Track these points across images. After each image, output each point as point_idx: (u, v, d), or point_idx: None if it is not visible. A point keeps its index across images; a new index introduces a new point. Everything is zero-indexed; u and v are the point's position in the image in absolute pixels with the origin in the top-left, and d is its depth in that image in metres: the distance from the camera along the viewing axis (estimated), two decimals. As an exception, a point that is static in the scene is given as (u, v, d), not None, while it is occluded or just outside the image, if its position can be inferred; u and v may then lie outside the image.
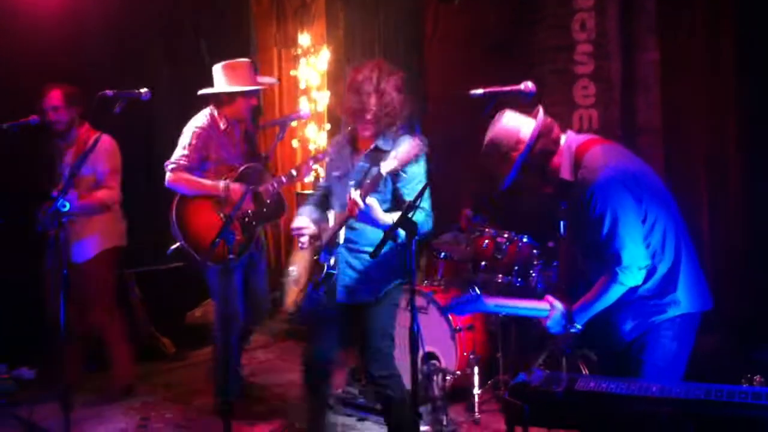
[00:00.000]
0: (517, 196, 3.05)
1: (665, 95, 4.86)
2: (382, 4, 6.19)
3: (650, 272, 2.89)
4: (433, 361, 4.49)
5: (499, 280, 4.73)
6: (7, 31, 5.47)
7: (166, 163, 4.49)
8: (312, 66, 6.95)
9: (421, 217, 3.26)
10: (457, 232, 5.13)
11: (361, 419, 4.50)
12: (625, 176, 2.88)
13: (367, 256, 3.46)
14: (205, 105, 4.61)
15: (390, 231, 2.94)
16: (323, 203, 3.69)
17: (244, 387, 4.87)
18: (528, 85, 3.02)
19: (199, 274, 4.63)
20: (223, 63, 4.56)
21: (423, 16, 6.01)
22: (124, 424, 4.61)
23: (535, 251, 4.75)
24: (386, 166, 3.10)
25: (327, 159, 3.79)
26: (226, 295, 4.45)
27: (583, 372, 4.14)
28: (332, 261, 3.42)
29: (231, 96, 4.52)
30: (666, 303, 2.90)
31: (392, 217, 3.17)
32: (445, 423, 4.24)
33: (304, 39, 6.95)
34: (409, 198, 3.27)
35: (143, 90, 3.78)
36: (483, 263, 4.82)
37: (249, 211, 4.40)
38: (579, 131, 5.06)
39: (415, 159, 3.13)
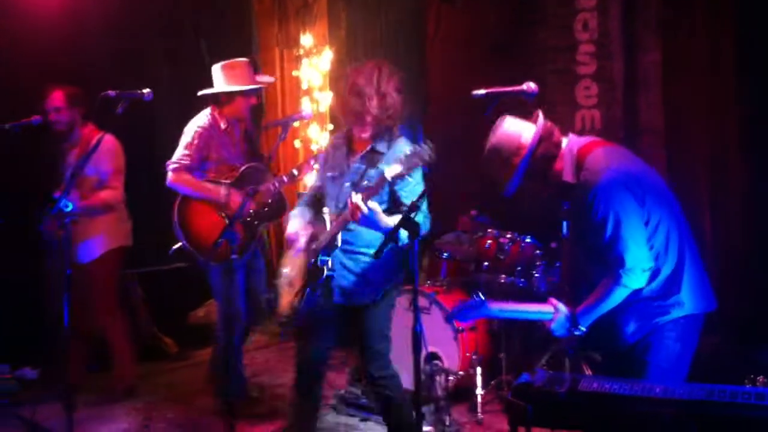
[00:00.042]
0: (520, 200, 3.03)
1: (667, 95, 4.86)
2: (384, 5, 6.19)
3: (654, 274, 2.89)
4: (436, 362, 4.48)
5: (502, 281, 4.73)
6: (7, 31, 5.47)
7: (168, 163, 4.50)
8: (314, 66, 6.94)
9: (419, 218, 3.25)
10: (460, 233, 5.13)
11: (363, 419, 4.50)
12: (627, 178, 2.88)
13: (363, 258, 3.47)
14: (206, 105, 4.62)
15: (392, 233, 2.94)
16: (316, 203, 3.67)
17: (246, 387, 4.87)
18: (530, 86, 3.02)
19: (202, 274, 4.63)
20: (221, 63, 4.56)
21: (425, 17, 6.02)
22: (127, 424, 4.61)
23: (537, 252, 4.75)
24: (391, 171, 3.07)
25: (320, 159, 3.77)
26: (229, 295, 4.46)
27: (586, 372, 4.14)
28: (330, 263, 3.42)
29: (230, 96, 4.53)
30: (670, 304, 2.90)
31: (393, 220, 3.17)
32: (447, 423, 4.24)
33: (306, 39, 6.95)
34: (406, 200, 3.27)
35: (145, 90, 3.79)
36: (485, 263, 4.82)
37: (251, 211, 4.41)
38: (581, 131, 5.13)
39: (421, 166, 3.10)
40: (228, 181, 4.52)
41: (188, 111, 4.66)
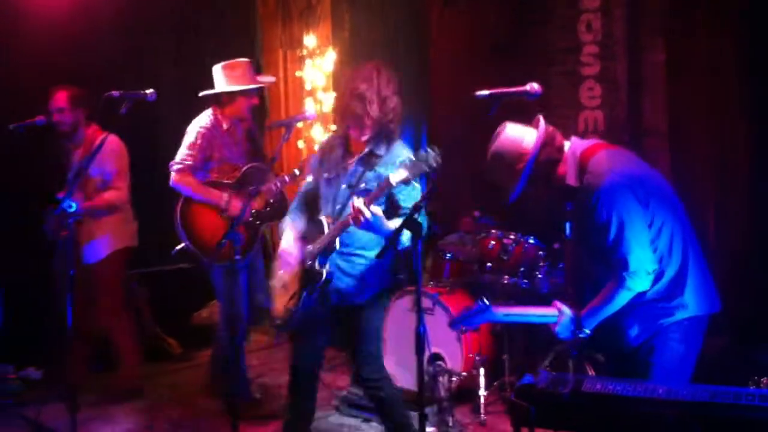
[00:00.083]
0: (524, 201, 3.03)
1: (671, 96, 4.85)
2: (388, 6, 6.19)
3: (658, 276, 2.88)
4: (439, 363, 4.48)
5: (505, 282, 4.72)
6: (11, 32, 5.48)
7: (171, 163, 4.50)
8: (317, 67, 6.94)
9: (422, 219, 3.24)
10: (463, 233, 5.13)
11: (366, 420, 4.50)
12: (630, 180, 2.87)
13: (358, 259, 3.46)
14: (208, 105, 4.62)
15: (394, 236, 2.93)
16: (309, 204, 3.64)
17: (249, 388, 4.87)
18: (534, 87, 3.01)
19: (205, 274, 4.64)
20: (222, 63, 4.57)
21: (428, 18, 6.01)
22: (131, 425, 4.62)
23: (541, 253, 4.74)
24: (397, 176, 3.05)
25: (315, 159, 3.72)
26: (232, 296, 4.47)
27: (590, 374, 4.13)
28: (328, 266, 3.40)
29: (231, 96, 4.53)
30: (674, 306, 2.90)
31: (394, 223, 3.15)
32: (450, 424, 4.24)
33: (309, 40, 6.95)
34: (404, 203, 3.27)
35: (149, 91, 3.79)
36: (489, 264, 4.82)
37: (253, 211, 4.42)
38: (584, 133, 5.12)
39: (428, 172, 3.06)
40: (230, 182, 4.53)
41: (191, 111, 4.67)
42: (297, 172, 4.49)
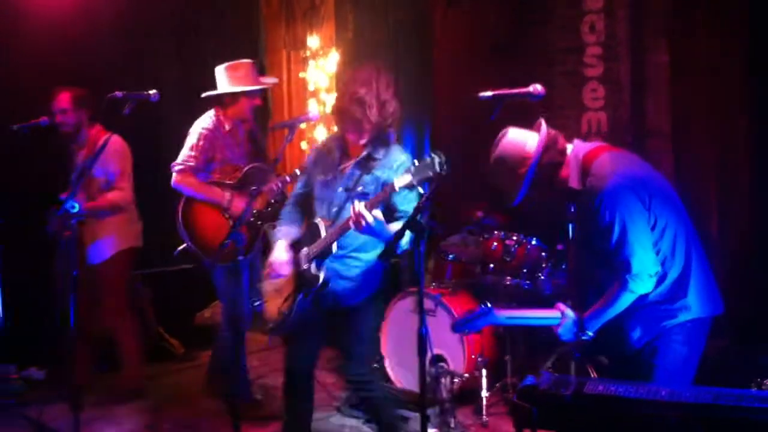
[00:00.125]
0: (527, 203, 3.02)
1: (674, 98, 4.84)
2: (391, 6, 6.19)
3: (661, 278, 2.88)
4: (441, 364, 4.48)
5: (507, 283, 4.72)
6: (12, 32, 5.49)
7: (173, 164, 4.51)
8: (321, 68, 6.96)
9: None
10: (466, 234, 5.12)
11: (367, 421, 4.50)
12: (633, 183, 2.87)
13: (353, 262, 3.44)
14: (211, 106, 4.63)
15: (396, 238, 2.92)
16: (302, 206, 3.63)
17: (250, 389, 4.87)
18: (537, 88, 3.01)
19: (207, 274, 4.64)
20: (225, 64, 4.57)
21: (431, 18, 6.01)
22: (133, 425, 4.62)
23: (543, 254, 4.73)
24: (401, 181, 3.01)
25: (309, 160, 3.70)
26: (234, 296, 4.47)
27: (592, 375, 4.13)
28: (324, 269, 3.38)
29: (234, 96, 4.54)
30: (677, 308, 2.90)
31: (394, 227, 3.14)
32: (452, 426, 4.23)
33: (313, 41, 6.97)
34: (402, 207, 3.27)
35: (152, 91, 3.79)
36: (491, 265, 4.81)
37: (254, 210, 4.42)
38: (588, 134, 5.11)
39: (433, 177, 2.99)
40: (232, 182, 4.53)
41: (194, 112, 4.67)
42: (298, 172, 4.48)
